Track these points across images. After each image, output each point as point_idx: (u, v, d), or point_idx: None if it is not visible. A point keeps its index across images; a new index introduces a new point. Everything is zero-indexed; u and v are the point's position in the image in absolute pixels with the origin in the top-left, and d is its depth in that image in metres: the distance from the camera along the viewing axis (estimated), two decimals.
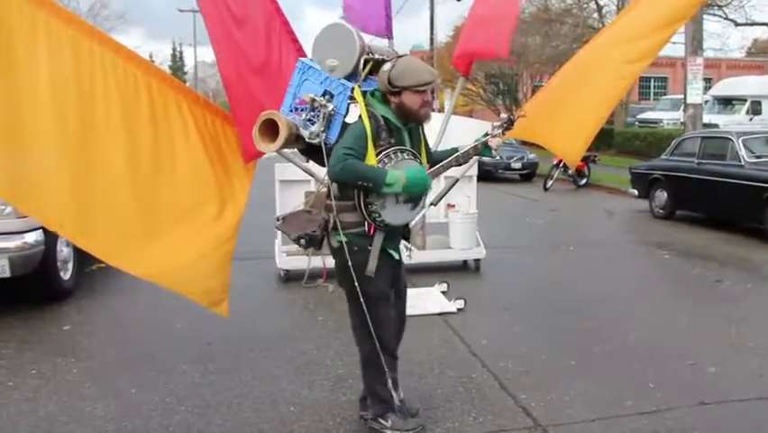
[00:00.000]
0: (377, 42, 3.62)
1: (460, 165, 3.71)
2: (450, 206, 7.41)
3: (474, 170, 7.21)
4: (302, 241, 3.31)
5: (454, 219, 7.37)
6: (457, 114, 13.92)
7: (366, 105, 3.28)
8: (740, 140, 9.68)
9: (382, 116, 3.27)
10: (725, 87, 23.79)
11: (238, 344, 4.96)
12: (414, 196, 3.32)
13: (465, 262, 7.57)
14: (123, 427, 3.74)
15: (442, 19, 68.47)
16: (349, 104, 3.34)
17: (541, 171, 17.25)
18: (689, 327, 5.47)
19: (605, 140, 23.58)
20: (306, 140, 3.35)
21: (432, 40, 30.36)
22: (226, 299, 3.80)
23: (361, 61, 3.43)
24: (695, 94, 14.58)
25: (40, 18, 3.27)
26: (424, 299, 6.04)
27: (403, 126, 3.34)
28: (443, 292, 6.30)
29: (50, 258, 5.89)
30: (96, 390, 4.22)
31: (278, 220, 3.45)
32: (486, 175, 15.94)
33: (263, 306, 6.06)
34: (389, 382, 3.42)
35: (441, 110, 23.06)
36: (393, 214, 3.30)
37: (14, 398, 4.10)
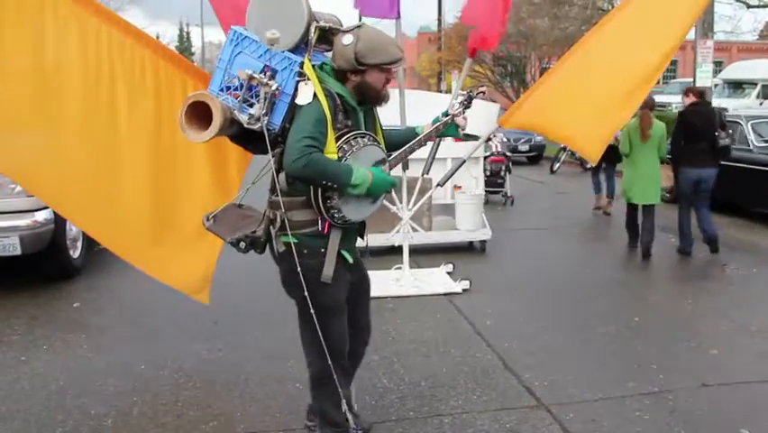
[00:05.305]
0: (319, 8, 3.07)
1: (421, 147, 3.35)
2: (456, 187, 7.43)
3: (481, 152, 7.21)
4: (242, 244, 2.84)
5: (461, 200, 7.39)
6: None
7: (319, 83, 2.79)
8: (749, 124, 9.61)
9: (338, 94, 2.81)
10: (735, 71, 23.54)
11: (245, 322, 5.02)
12: (377, 195, 2.93)
13: (471, 243, 7.60)
14: (133, 401, 3.81)
15: None
16: (298, 81, 2.78)
17: (548, 154, 17.19)
18: (692, 309, 5.50)
19: None
20: (245, 125, 2.79)
21: (440, 21, 30.17)
22: (207, 288, 3.84)
23: (312, 31, 2.86)
24: (704, 77, 14.46)
25: None
26: (429, 280, 6.10)
27: (358, 106, 2.91)
28: (449, 273, 6.35)
29: (60, 236, 5.96)
30: (106, 365, 4.30)
31: (207, 220, 2.94)
32: None
33: (269, 285, 6.04)
34: (344, 403, 2.99)
35: (448, 91, 22.90)
36: (355, 209, 2.86)
37: (27, 372, 4.19)
